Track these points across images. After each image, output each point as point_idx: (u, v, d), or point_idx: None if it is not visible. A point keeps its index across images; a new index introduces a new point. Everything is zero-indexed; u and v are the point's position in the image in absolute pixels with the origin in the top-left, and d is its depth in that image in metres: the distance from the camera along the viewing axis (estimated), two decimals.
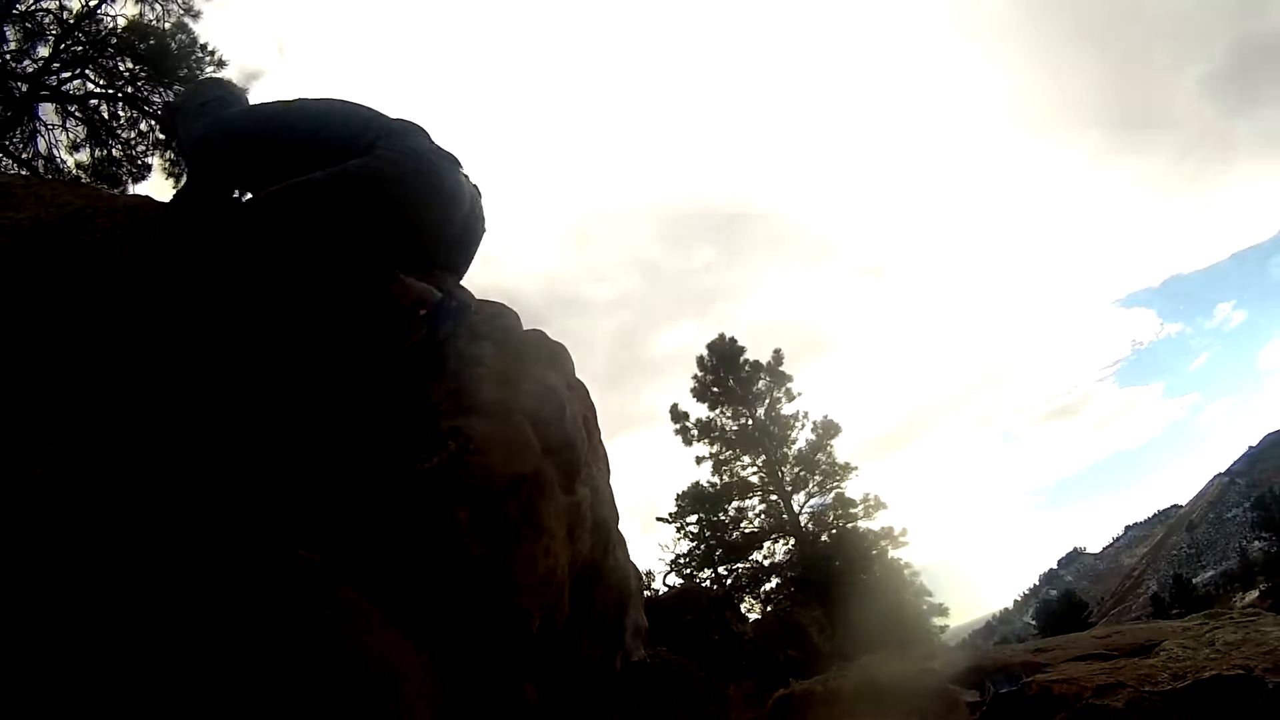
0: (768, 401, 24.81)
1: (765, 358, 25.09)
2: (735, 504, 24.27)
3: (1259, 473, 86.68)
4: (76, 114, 12.13)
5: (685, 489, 24.21)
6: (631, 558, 3.23)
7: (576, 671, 2.58)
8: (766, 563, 23.69)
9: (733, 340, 25.37)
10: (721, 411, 24.89)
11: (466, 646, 2.07)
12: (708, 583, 22.30)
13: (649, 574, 22.38)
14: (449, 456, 2.14)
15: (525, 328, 2.84)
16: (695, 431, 24.71)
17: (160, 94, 12.15)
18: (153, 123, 12.23)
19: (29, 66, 11.88)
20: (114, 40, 12.01)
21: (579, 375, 3.03)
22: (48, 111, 12.11)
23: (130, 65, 12.16)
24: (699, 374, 25.12)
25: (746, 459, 24.63)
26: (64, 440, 1.72)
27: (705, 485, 24.27)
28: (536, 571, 2.26)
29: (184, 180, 2.99)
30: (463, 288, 2.66)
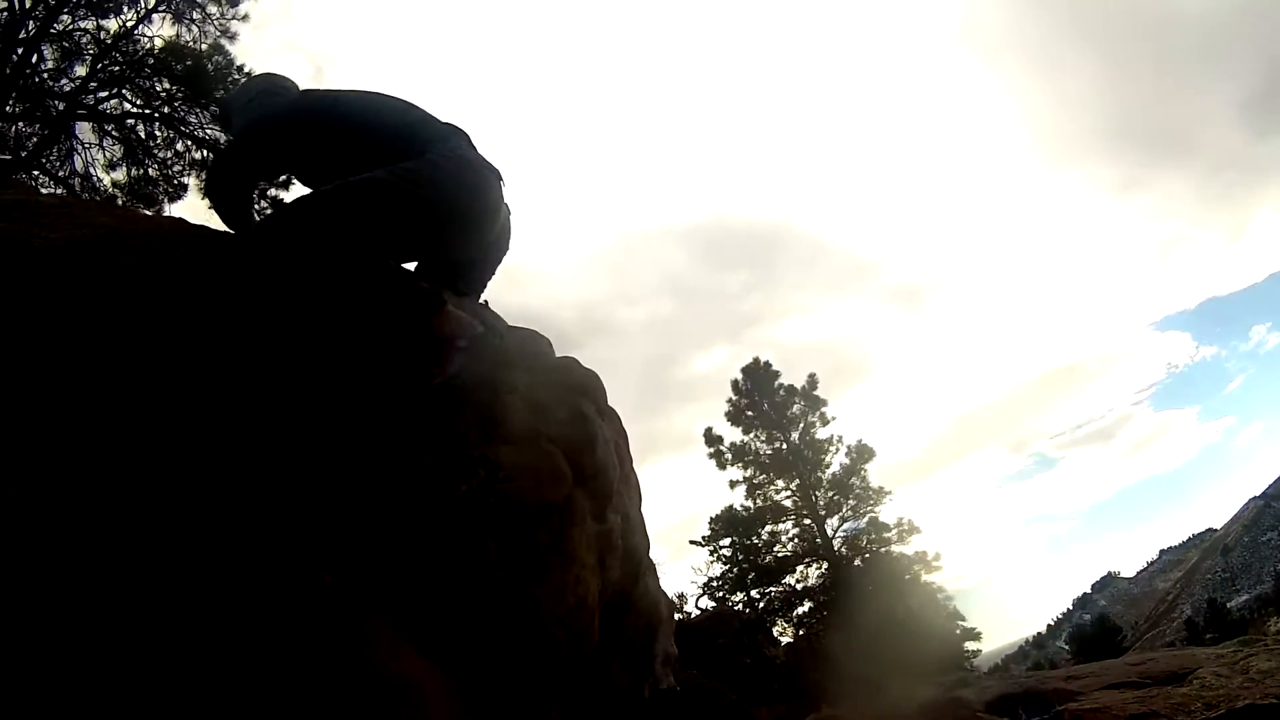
0: (802, 425, 24.58)
1: (799, 381, 24.90)
2: (768, 528, 24.00)
3: None
4: (113, 133, 12.23)
5: (719, 512, 24.01)
6: (662, 584, 3.21)
7: (604, 699, 2.55)
8: (799, 587, 23.38)
9: (767, 364, 25.23)
10: (755, 435, 24.70)
11: (493, 673, 2.04)
12: (740, 606, 22.10)
13: (681, 596, 22.26)
14: (478, 484, 2.12)
15: (558, 353, 2.84)
16: (729, 455, 24.53)
17: (197, 115, 12.27)
18: (189, 143, 12.37)
19: (66, 86, 12.01)
20: (151, 61, 12.12)
21: (612, 399, 3.02)
22: (84, 130, 12.22)
23: (167, 85, 12.26)
24: (733, 398, 24.98)
25: (780, 483, 24.41)
26: (89, 459, 1.72)
27: (739, 509, 24.04)
28: (566, 601, 2.23)
29: (218, 159, 2.99)
30: (496, 314, 2.66)
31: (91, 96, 12.06)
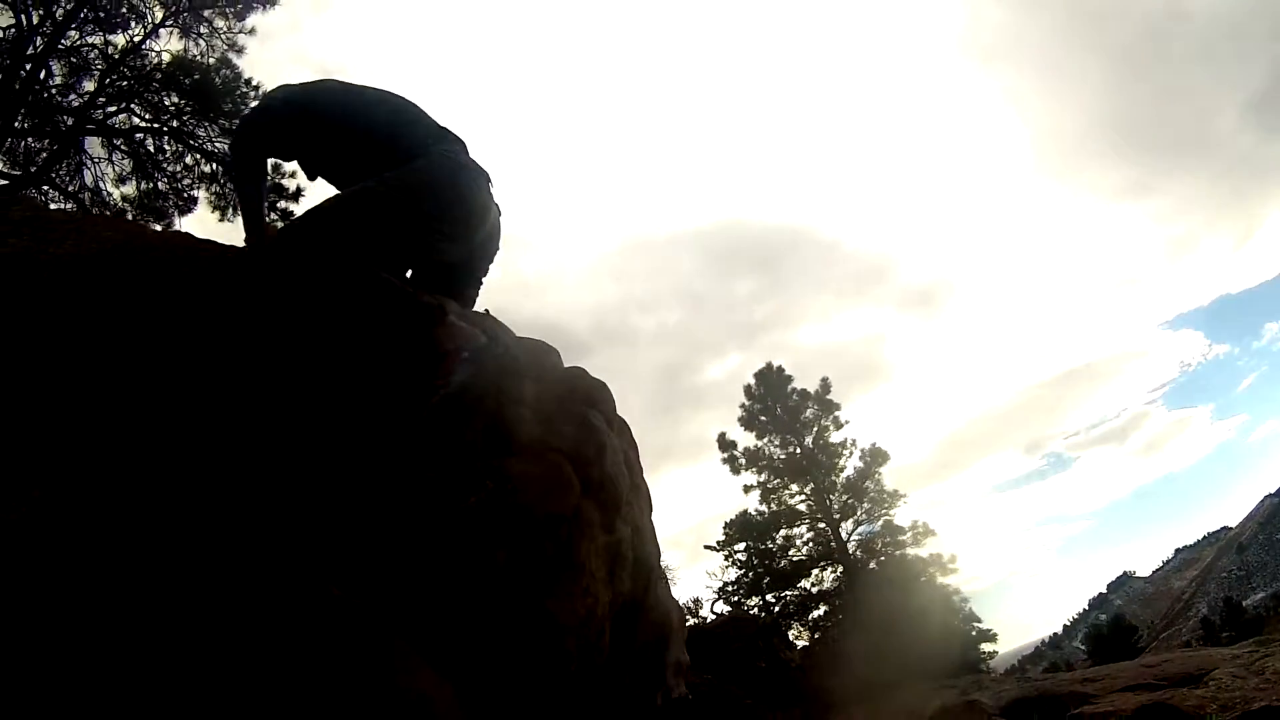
0: (816, 430, 24.63)
1: (813, 386, 24.99)
2: (783, 532, 24.05)
3: None
4: (122, 147, 12.28)
5: (733, 517, 24.13)
6: (673, 593, 3.19)
7: (616, 709, 2.54)
8: (814, 590, 23.38)
9: (780, 369, 25.30)
10: (769, 440, 24.76)
11: (504, 687, 2.03)
12: (755, 610, 22.10)
13: (696, 601, 22.35)
14: (486, 495, 2.12)
15: (572, 360, 2.83)
16: (743, 460, 24.60)
17: (206, 128, 12.32)
18: (198, 156, 12.41)
19: (75, 101, 12.07)
20: (159, 75, 12.14)
21: (626, 407, 3.01)
22: (94, 145, 12.28)
23: (175, 100, 12.29)
24: (746, 403, 25.04)
25: (794, 487, 24.45)
26: (96, 476, 1.72)
27: (753, 513, 24.13)
28: (576, 612, 2.22)
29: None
30: (501, 323, 2.66)
31: (100, 111, 12.11)
